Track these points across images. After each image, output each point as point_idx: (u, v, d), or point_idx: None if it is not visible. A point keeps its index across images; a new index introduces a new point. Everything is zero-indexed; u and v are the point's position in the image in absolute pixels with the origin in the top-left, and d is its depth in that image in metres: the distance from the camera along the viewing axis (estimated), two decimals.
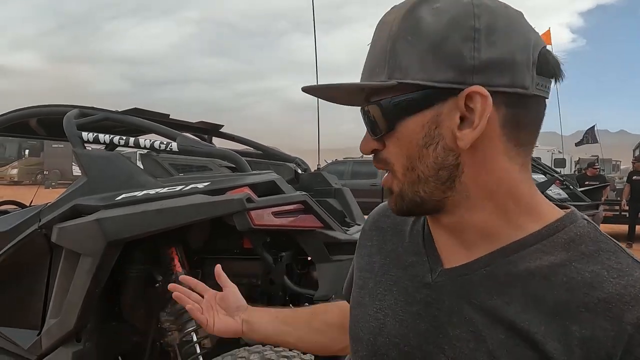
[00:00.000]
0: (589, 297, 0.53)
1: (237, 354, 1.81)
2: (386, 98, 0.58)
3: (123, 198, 1.97)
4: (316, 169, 8.97)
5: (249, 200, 1.89)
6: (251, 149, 3.34)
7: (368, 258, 0.74)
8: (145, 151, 2.28)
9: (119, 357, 2.31)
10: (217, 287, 0.93)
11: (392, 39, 0.57)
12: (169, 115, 2.84)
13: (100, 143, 2.26)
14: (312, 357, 1.84)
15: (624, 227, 9.38)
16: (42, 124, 2.75)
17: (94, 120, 2.34)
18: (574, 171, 17.34)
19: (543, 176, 7.57)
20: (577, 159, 22.25)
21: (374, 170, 10.07)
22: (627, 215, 9.53)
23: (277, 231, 2.03)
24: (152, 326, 2.26)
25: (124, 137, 2.24)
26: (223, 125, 3.26)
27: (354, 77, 0.63)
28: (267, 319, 0.90)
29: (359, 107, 0.62)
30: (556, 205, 0.62)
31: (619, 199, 10.82)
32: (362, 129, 0.63)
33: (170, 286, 0.94)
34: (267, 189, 2.03)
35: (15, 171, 23.06)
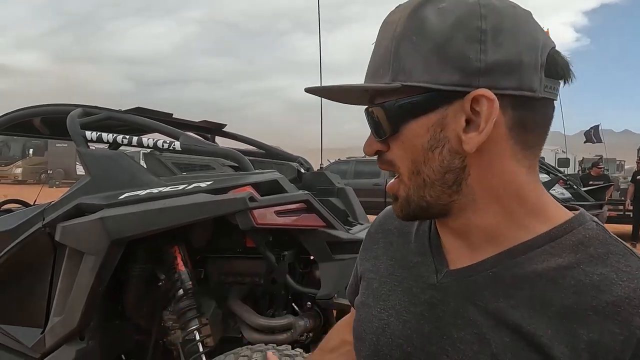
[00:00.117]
0: (597, 300, 0.51)
1: (239, 352, 1.80)
2: (390, 100, 0.56)
3: (126, 197, 1.97)
4: (319, 168, 8.96)
5: (252, 199, 1.88)
6: (254, 148, 3.34)
7: (374, 260, 0.73)
8: (149, 150, 2.28)
9: (122, 356, 2.32)
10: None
11: (396, 40, 0.55)
12: (172, 114, 2.84)
13: (104, 142, 2.27)
14: None
15: (628, 227, 9.33)
16: (45, 123, 2.75)
17: (97, 120, 2.34)
18: (578, 171, 17.28)
19: (547, 176, 7.57)
20: (581, 158, 22.16)
21: (377, 169, 10.05)
22: (631, 215, 9.50)
23: (280, 230, 2.03)
24: (155, 325, 2.26)
25: (127, 136, 2.24)
26: (226, 125, 3.26)
27: (355, 77, 0.62)
28: None
29: (363, 107, 0.61)
30: (565, 206, 0.61)
31: (623, 198, 10.79)
32: (365, 129, 0.62)
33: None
34: (270, 188, 2.03)
35: (19, 170, 23.09)
